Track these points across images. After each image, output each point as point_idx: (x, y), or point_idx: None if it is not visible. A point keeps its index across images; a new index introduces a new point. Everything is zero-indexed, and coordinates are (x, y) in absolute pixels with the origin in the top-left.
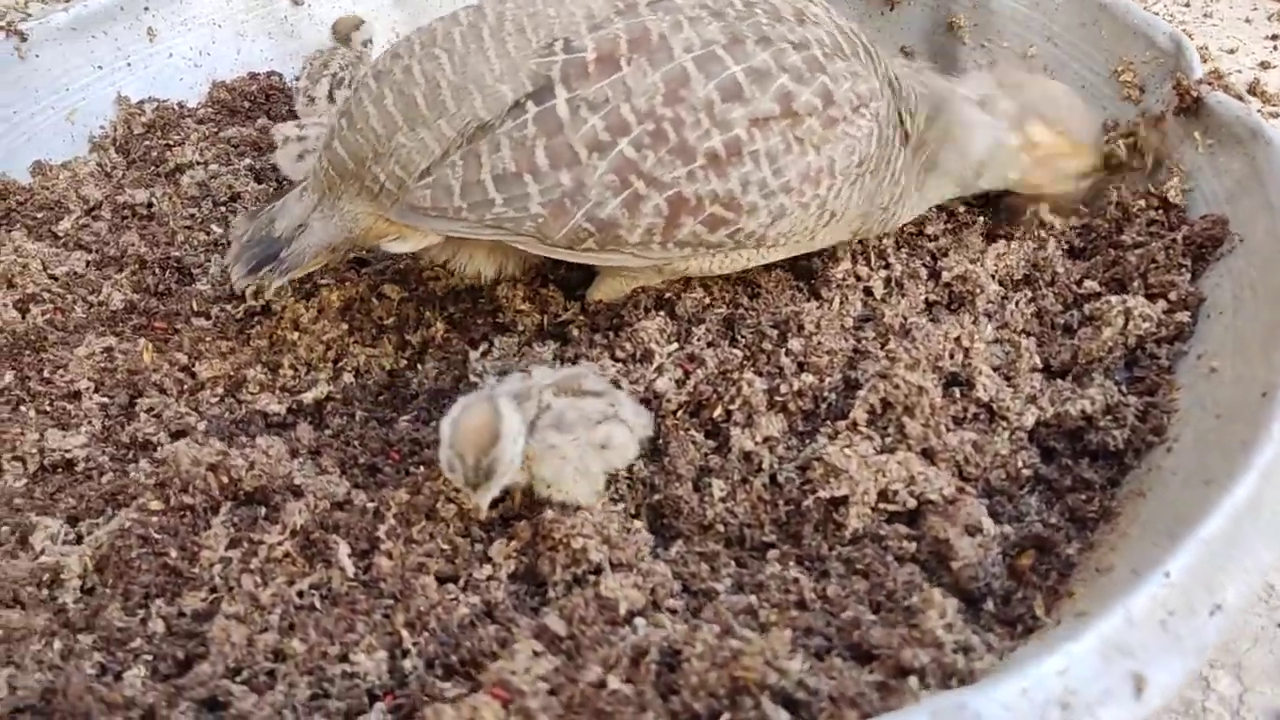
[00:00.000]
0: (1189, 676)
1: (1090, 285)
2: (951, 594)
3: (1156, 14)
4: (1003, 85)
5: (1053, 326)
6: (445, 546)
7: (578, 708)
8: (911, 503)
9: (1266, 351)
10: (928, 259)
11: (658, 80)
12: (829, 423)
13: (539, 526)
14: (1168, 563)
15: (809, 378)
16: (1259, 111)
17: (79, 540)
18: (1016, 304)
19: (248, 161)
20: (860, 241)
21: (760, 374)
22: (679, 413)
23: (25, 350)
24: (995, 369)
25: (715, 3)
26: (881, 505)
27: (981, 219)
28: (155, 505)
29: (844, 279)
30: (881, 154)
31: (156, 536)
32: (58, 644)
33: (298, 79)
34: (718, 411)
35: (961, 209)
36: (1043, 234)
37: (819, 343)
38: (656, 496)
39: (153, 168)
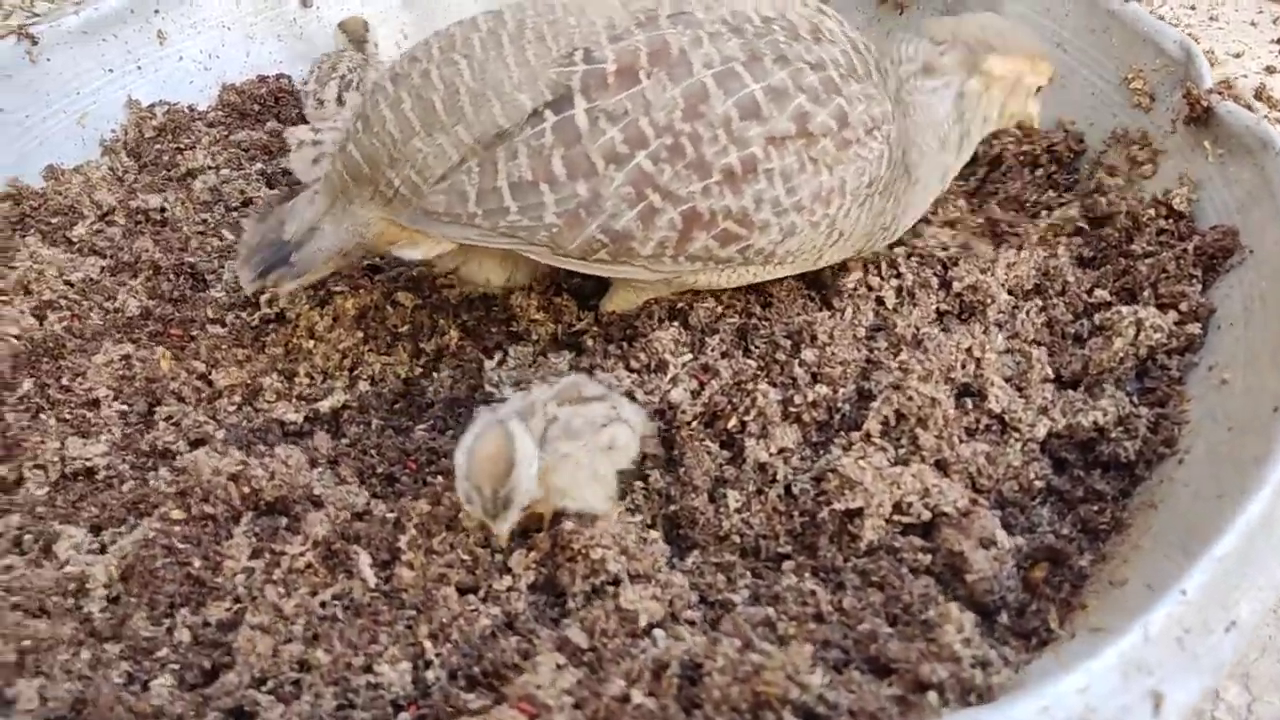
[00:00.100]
0: (1205, 694)
1: (1101, 294)
2: (966, 606)
3: (1162, 17)
4: (937, 39)
5: (1063, 336)
6: (466, 557)
7: None
8: (926, 515)
9: (1278, 364)
10: (938, 268)
11: (677, 95)
12: (843, 434)
13: (558, 537)
14: (1184, 580)
15: (823, 389)
16: (1265, 117)
17: (103, 549)
18: (1027, 313)
19: (259, 166)
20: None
21: (774, 384)
22: (694, 423)
23: (44, 358)
24: (1007, 380)
25: (734, 18)
26: (896, 517)
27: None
28: (177, 515)
29: (855, 289)
30: (890, 175)
31: (180, 546)
32: (85, 653)
33: (306, 82)
34: (732, 422)
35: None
36: (1052, 239)
37: (832, 353)
38: (672, 507)
39: (164, 172)
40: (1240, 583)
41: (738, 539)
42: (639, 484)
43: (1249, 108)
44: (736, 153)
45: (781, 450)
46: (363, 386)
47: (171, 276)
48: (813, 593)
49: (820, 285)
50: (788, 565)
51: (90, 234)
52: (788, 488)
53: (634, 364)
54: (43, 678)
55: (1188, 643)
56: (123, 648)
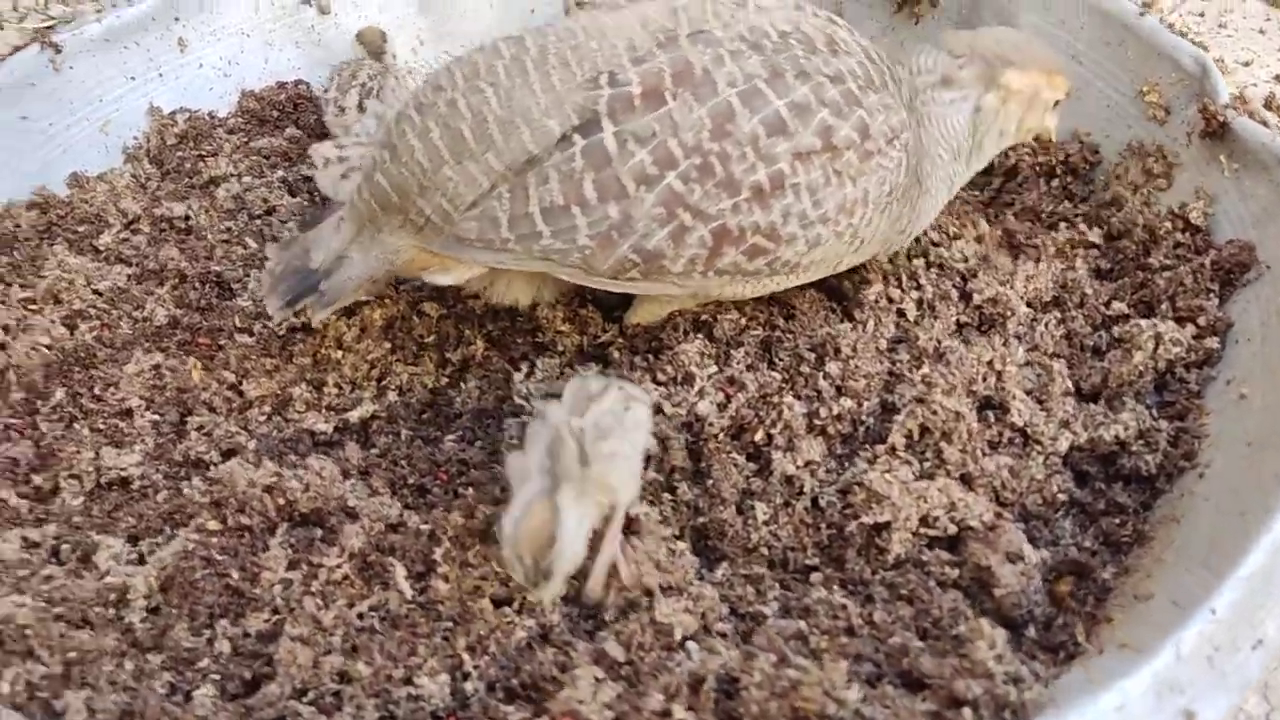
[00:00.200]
0: (1232, 712)
1: (1119, 307)
2: (994, 620)
3: (1171, 25)
4: (955, 52)
5: (1082, 349)
6: (499, 570)
7: None
8: (952, 529)
9: None
10: (958, 280)
11: (704, 115)
12: (867, 447)
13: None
14: (1212, 598)
15: (847, 401)
16: (1277, 126)
17: (141, 560)
18: (1046, 326)
19: (280, 174)
20: (890, 262)
21: (799, 397)
22: (721, 436)
23: (75, 367)
24: (1028, 393)
25: (752, 34)
26: (922, 530)
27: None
28: (213, 526)
29: (876, 301)
30: (908, 181)
31: (218, 557)
32: (129, 664)
33: (326, 90)
34: (759, 435)
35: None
36: (1070, 252)
37: (855, 366)
38: (701, 519)
39: (187, 179)
40: (1266, 601)
41: (766, 551)
42: (667, 496)
43: (1263, 122)
44: (765, 169)
45: (808, 463)
46: (391, 397)
47: (198, 285)
48: (843, 606)
49: (841, 297)
50: (816, 578)
51: (117, 242)
52: (814, 500)
53: (660, 376)
54: (89, 689)
55: (1217, 661)
56: (164, 658)
